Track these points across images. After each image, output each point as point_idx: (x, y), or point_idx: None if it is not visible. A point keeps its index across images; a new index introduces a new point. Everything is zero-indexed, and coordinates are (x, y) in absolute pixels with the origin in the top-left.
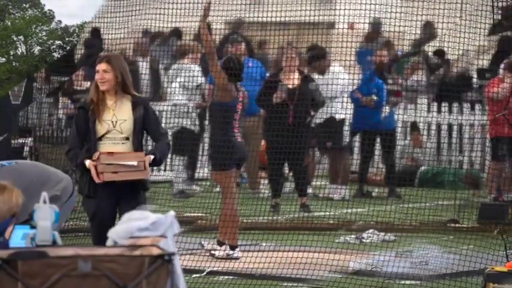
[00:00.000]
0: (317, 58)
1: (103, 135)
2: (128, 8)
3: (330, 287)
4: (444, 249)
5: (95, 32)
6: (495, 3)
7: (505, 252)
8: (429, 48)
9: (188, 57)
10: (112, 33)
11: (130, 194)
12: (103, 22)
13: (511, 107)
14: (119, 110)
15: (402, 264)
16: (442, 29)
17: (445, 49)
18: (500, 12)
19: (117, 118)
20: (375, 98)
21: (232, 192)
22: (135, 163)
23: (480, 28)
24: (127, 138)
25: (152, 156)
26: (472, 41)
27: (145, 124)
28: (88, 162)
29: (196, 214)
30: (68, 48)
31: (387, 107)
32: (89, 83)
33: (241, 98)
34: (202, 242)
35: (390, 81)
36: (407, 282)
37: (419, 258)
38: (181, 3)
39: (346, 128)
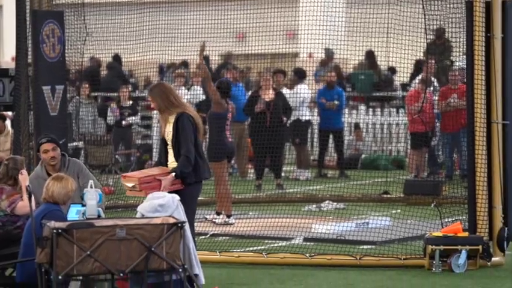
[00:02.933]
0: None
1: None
2: (143, 36)
3: (305, 253)
4: (394, 220)
5: (116, 57)
6: (427, 26)
7: (440, 221)
8: (382, 63)
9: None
10: (127, 58)
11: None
12: (120, 48)
13: (424, 110)
14: (170, 123)
15: (361, 233)
16: (392, 47)
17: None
18: (433, 33)
19: (168, 130)
20: (336, 102)
21: (223, 177)
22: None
23: (417, 46)
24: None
25: (173, 174)
26: (411, 57)
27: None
28: None
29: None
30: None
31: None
32: (131, 102)
33: (231, 109)
34: (205, 216)
35: (348, 89)
36: (365, 246)
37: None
38: (187, 41)
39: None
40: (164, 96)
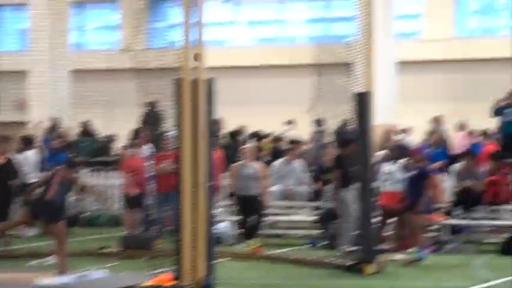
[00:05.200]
0: None
1: None
2: None
3: None
4: (112, 271)
5: None
6: (143, 99)
7: (154, 272)
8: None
9: None
10: None
11: None
12: None
13: (138, 173)
14: None
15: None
16: None
17: None
18: (148, 105)
19: None
20: None
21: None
22: None
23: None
24: None
25: None
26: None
27: None
28: None
29: None
30: None
31: None
32: None
33: None
34: None
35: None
36: None
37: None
38: None
39: None
40: None
